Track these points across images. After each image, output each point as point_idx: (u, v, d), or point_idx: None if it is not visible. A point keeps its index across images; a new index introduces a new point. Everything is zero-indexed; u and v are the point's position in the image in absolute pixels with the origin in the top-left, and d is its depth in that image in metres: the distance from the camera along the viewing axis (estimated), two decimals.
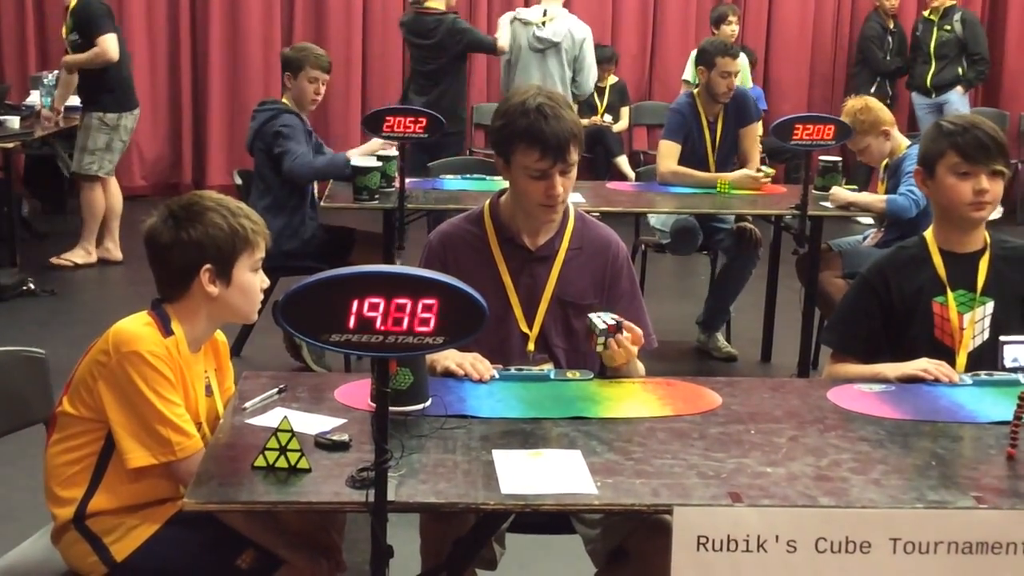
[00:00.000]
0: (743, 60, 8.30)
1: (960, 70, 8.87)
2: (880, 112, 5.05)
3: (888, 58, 9.10)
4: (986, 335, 2.92)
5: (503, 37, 7.02)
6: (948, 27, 8.85)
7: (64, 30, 6.83)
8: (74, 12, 6.68)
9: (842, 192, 5.11)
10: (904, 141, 5.09)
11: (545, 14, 7.02)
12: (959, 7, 9.05)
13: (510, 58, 7.04)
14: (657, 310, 2.98)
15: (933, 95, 8.93)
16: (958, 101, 8.79)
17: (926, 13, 9.04)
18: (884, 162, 5.16)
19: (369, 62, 9.47)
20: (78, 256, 6.99)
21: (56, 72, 7.29)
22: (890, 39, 9.16)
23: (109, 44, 6.61)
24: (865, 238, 5.30)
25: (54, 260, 6.96)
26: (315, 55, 5.19)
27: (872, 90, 8.48)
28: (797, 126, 4.86)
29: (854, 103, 5.14)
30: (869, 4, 9.77)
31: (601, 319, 2.64)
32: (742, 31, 9.53)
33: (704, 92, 5.60)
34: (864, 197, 5.14)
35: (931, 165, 2.95)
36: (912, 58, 9.10)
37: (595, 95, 9.09)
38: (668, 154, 5.56)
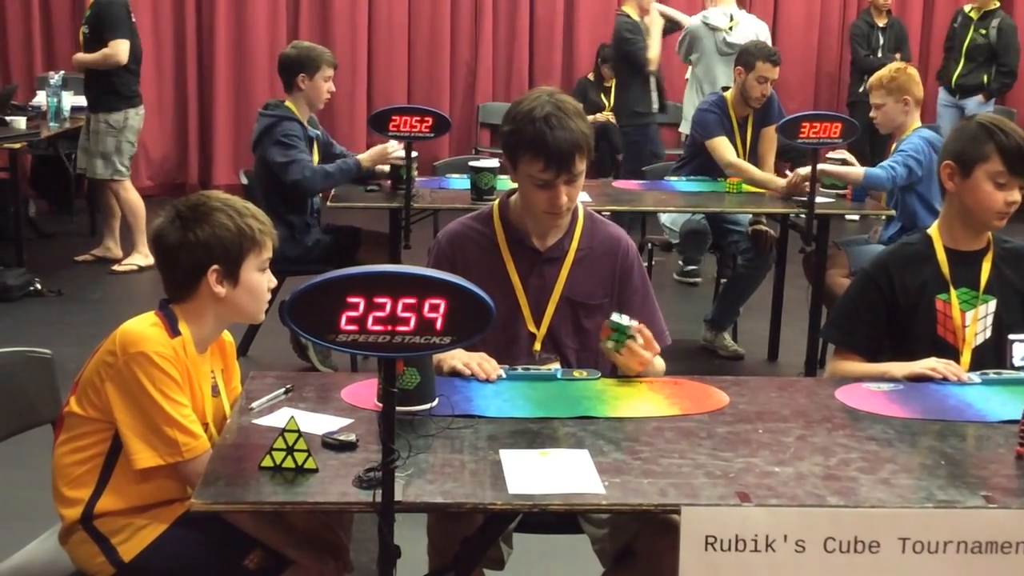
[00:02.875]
0: None
1: (985, 77, 8.62)
2: (911, 83, 5.03)
3: (879, 55, 8.82)
4: (988, 333, 2.92)
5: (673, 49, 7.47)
6: (984, 31, 8.60)
7: (83, 20, 6.82)
8: (94, 5, 6.67)
9: (822, 164, 5.11)
10: (917, 123, 5.08)
11: (732, 19, 7.11)
12: (1000, 12, 8.76)
13: (692, 59, 7.21)
14: (663, 309, 2.97)
15: (957, 95, 8.73)
16: (977, 109, 8.50)
17: (967, 9, 8.76)
18: (893, 145, 5.15)
19: (374, 61, 9.48)
20: (139, 259, 6.98)
21: (62, 72, 7.30)
22: (880, 35, 8.97)
23: (120, 48, 6.61)
24: (868, 239, 5.30)
25: (117, 268, 6.96)
26: (328, 54, 5.19)
27: (861, 89, 8.32)
28: (804, 124, 4.86)
29: (899, 64, 5.20)
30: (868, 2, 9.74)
31: (620, 320, 2.63)
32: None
33: (737, 94, 5.56)
34: (840, 168, 5.14)
35: (969, 165, 2.89)
36: (947, 49, 8.90)
37: (601, 94, 9.10)
38: (725, 147, 5.45)
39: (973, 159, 2.89)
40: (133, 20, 6.81)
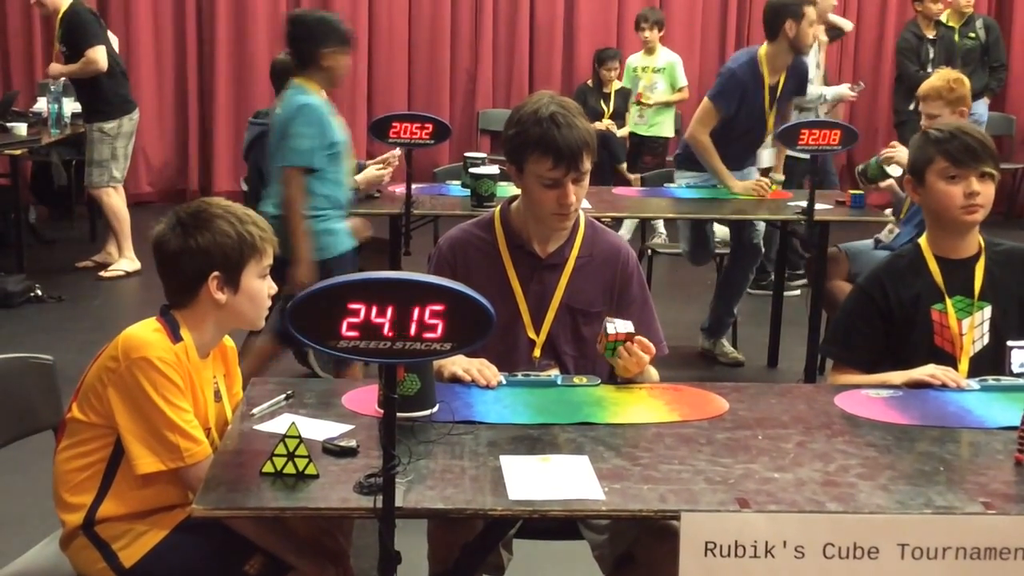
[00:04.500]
0: (675, 59, 8.32)
1: (984, 79, 8.48)
2: (968, 94, 4.98)
3: (929, 70, 7.97)
4: (986, 340, 2.93)
5: None
6: (972, 35, 8.47)
7: (56, 39, 6.86)
8: (63, 22, 6.69)
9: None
10: None
11: None
12: (978, 14, 8.72)
13: None
14: (663, 315, 2.98)
15: None
16: (984, 112, 8.40)
17: (944, 19, 8.49)
18: None
19: (375, 68, 9.49)
20: (125, 264, 7.00)
21: (62, 80, 7.32)
22: (929, 48, 8.29)
23: (98, 55, 6.63)
24: (877, 242, 5.27)
25: (103, 274, 6.96)
26: None
27: (912, 107, 7.49)
28: (803, 131, 4.88)
29: (950, 73, 5.07)
30: (876, 13, 9.70)
31: (615, 325, 2.64)
32: (748, 36, 9.56)
33: (783, 49, 5.39)
34: None
35: (920, 172, 2.97)
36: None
37: (601, 100, 9.11)
38: (705, 119, 5.40)
39: (922, 166, 2.97)
40: (104, 26, 6.85)
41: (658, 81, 8.25)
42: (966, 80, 5.06)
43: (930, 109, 5.01)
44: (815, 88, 6.34)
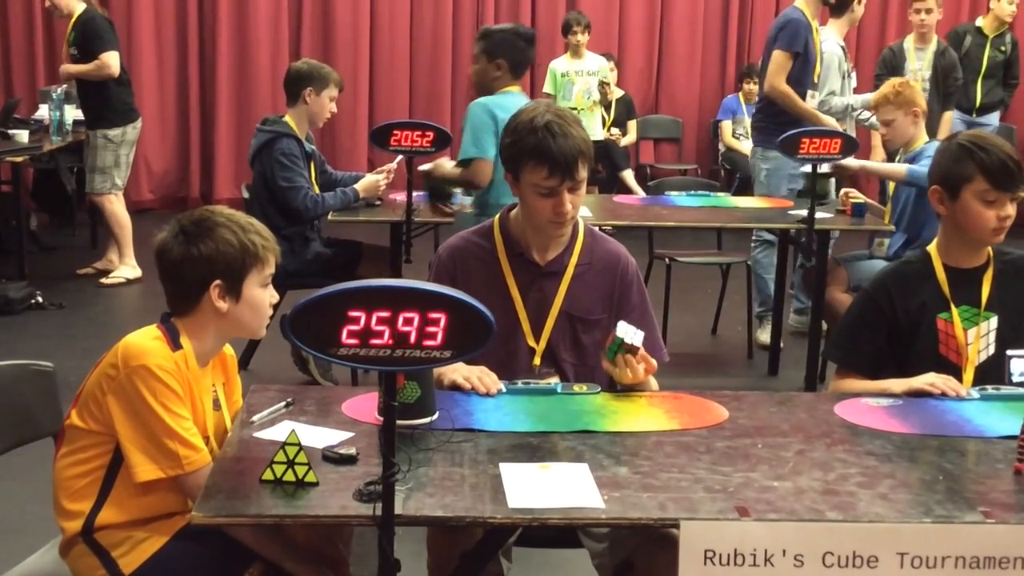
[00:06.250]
0: (605, 64, 8.30)
1: (1000, 93, 8.38)
2: (917, 96, 5.13)
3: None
4: (991, 350, 2.92)
5: None
6: (1003, 48, 8.30)
7: (66, 42, 6.87)
8: (76, 26, 6.71)
9: (851, 160, 5.16)
10: (924, 136, 5.16)
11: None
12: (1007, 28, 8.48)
13: None
14: (664, 323, 2.98)
15: (974, 114, 8.22)
16: (995, 124, 8.35)
17: (979, 25, 8.28)
18: (898, 158, 5.18)
19: (376, 76, 9.50)
20: (126, 272, 7.00)
21: (64, 86, 7.34)
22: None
23: (111, 60, 6.65)
24: (872, 256, 5.29)
25: (104, 281, 6.96)
26: (337, 75, 5.21)
27: None
28: (804, 140, 4.88)
29: (897, 79, 5.34)
30: (877, 26, 9.66)
31: (626, 332, 2.63)
32: (749, 45, 9.57)
33: None
34: (881, 165, 5.16)
35: (955, 187, 2.89)
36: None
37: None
38: (778, 69, 5.70)
39: (958, 181, 2.89)
40: (117, 34, 6.87)
41: (593, 84, 8.22)
42: (916, 84, 5.23)
43: (882, 116, 5.17)
44: (841, 99, 6.38)
